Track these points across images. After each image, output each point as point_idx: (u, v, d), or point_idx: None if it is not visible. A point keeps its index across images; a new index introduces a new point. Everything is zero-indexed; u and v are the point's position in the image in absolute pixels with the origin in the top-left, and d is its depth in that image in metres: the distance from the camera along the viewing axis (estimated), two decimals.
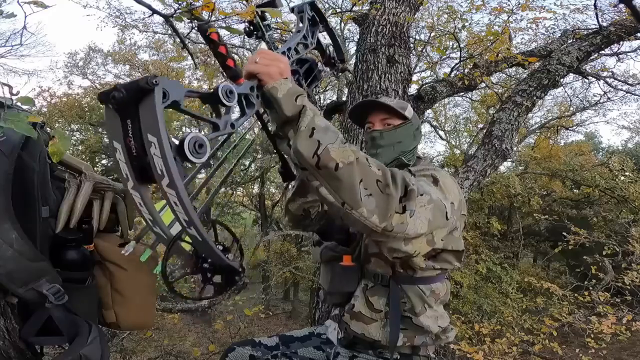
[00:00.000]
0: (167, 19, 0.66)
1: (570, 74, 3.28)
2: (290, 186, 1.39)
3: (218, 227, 0.87)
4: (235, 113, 0.86)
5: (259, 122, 1.03)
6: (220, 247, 0.80)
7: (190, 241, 0.76)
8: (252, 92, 0.88)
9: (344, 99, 4.49)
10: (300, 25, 1.12)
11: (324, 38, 1.25)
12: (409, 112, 1.31)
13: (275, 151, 1.06)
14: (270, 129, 1.00)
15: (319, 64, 1.17)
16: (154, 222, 0.76)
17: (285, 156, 1.07)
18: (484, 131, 3.09)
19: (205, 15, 0.98)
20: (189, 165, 0.72)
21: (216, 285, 0.81)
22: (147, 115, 0.65)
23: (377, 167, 0.87)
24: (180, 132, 12.66)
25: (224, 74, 0.93)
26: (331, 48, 1.26)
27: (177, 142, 0.69)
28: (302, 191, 1.30)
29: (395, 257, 1.02)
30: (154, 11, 0.70)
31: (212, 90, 0.81)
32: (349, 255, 1.22)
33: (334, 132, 0.87)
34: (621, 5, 2.97)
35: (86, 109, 11.56)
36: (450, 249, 1.13)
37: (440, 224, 0.99)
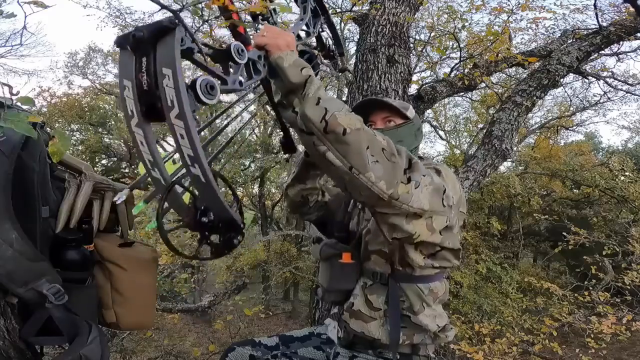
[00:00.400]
0: (176, 14, 0.67)
1: (570, 74, 3.29)
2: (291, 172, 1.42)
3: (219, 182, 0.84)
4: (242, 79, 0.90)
5: (264, 90, 1.06)
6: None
7: (190, 189, 0.75)
8: (260, 60, 0.92)
9: (344, 99, 4.49)
10: (303, 14, 1.16)
11: (324, 31, 1.27)
12: (411, 112, 1.32)
13: (278, 121, 1.10)
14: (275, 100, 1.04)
15: (318, 56, 1.21)
16: (154, 165, 0.75)
17: (288, 127, 1.10)
18: (484, 131, 3.09)
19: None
20: (200, 107, 0.73)
21: (213, 246, 0.79)
22: (165, 51, 0.68)
23: (381, 137, 0.92)
24: None
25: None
26: (331, 41, 1.28)
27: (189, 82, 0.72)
28: (301, 177, 1.33)
29: (395, 238, 1.02)
30: (163, 6, 0.71)
31: (224, 47, 0.84)
32: (349, 253, 1.22)
33: (339, 101, 0.92)
34: (621, 5, 2.97)
35: (86, 109, 11.57)
36: (449, 246, 1.12)
37: (439, 208, 1.01)
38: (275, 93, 1.01)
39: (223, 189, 0.90)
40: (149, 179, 0.79)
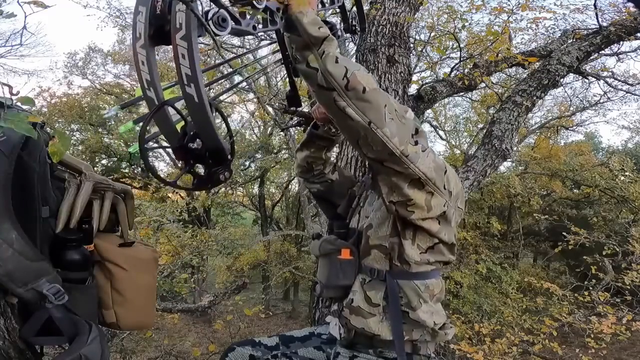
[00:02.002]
0: (187, 4, 0.69)
1: (570, 74, 3.28)
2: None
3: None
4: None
5: (278, 41, 1.10)
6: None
7: (182, 112, 0.76)
8: (278, 12, 0.96)
9: None
10: None
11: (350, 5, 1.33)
12: (409, 115, 1.35)
13: (287, 75, 1.14)
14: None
15: (339, 29, 1.25)
16: (150, 84, 0.78)
17: (295, 81, 1.16)
18: (484, 131, 3.09)
19: None
20: (206, 34, 0.75)
21: (197, 176, 0.78)
22: None
23: (393, 99, 1.02)
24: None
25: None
26: (354, 15, 1.33)
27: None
28: (308, 144, 1.42)
29: (392, 202, 1.08)
30: None
31: None
32: (348, 249, 1.24)
33: (354, 62, 0.99)
34: (621, 5, 2.97)
35: (86, 109, 11.56)
36: (445, 238, 1.15)
37: (440, 186, 1.09)
38: (289, 46, 1.04)
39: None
40: (144, 100, 0.82)
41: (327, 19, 1.18)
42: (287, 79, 1.17)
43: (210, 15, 0.75)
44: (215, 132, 0.76)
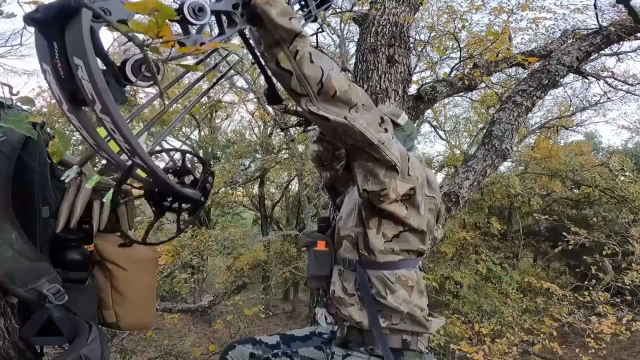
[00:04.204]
0: (140, 47, 0.63)
1: (570, 74, 3.28)
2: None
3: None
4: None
5: (243, 42, 0.96)
6: (192, 178, 0.81)
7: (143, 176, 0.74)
8: (236, 9, 0.80)
9: None
10: None
11: None
12: (402, 119, 1.39)
13: (262, 73, 1.02)
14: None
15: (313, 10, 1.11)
16: (99, 148, 0.69)
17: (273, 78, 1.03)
18: (484, 131, 3.09)
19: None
20: (133, 87, 0.66)
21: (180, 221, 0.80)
22: (73, 37, 0.57)
23: (361, 91, 1.00)
24: (180, 132, 12.64)
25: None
26: (313, 2, 1.17)
27: (119, 63, 0.63)
28: (318, 141, 1.39)
29: (365, 191, 1.08)
30: None
31: (177, 4, 0.71)
32: (323, 241, 1.31)
33: (325, 57, 0.94)
34: (621, 5, 2.97)
35: None
36: (414, 224, 1.16)
37: (405, 170, 1.10)
38: (257, 43, 0.93)
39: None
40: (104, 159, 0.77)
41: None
42: (263, 76, 1.03)
43: (128, 66, 0.62)
44: (175, 188, 0.75)
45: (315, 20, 1.14)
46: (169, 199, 0.77)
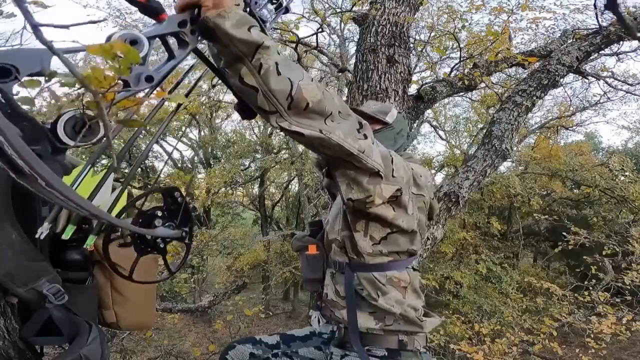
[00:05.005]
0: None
1: (570, 74, 3.28)
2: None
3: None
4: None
5: (201, 60, 0.87)
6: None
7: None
8: (184, 27, 0.72)
9: (344, 99, 4.49)
10: None
11: None
12: (391, 116, 1.36)
13: (228, 88, 0.92)
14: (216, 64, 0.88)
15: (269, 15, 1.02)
16: (68, 201, 0.56)
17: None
18: (484, 131, 3.09)
19: None
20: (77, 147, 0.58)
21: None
22: None
23: (337, 98, 0.93)
24: (180, 132, 12.64)
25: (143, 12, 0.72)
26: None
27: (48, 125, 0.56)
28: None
29: (350, 200, 1.04)
30: None
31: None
32: (314, 245, 1.31)
33: (294, 65, 0.85)
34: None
35: None
36: (402, 225, 1.13)
37: (389, 173, 1.05)
38: (216, 59, 0.84)
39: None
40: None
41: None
42: (230, 90, 0.91)
43: (60, 127, 0.52)
44: (151, 232, 0.78)
45: (287, 12, 1.06)
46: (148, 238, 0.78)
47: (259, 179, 12.30)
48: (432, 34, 4.13)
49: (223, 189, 10.52)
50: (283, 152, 11.23)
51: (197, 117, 11.44)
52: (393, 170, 1.06)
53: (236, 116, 12.87)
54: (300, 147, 8.99)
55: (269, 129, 11.85)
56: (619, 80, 4.67)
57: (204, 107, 10.14)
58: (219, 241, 9.71)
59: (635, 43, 3.98)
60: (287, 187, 13.04)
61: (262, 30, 0.84)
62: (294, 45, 3.72)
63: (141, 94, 0.66)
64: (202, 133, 12.88)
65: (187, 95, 0.98)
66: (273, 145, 11.79)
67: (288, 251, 10.28)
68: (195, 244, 7.33)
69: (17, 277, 0.88)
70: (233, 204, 13.16)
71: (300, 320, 10.59)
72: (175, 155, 13.32)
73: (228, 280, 9.61)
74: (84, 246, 0.80)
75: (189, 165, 13.49)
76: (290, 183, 12.76)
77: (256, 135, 12.85)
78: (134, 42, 0.63)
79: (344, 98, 4.30)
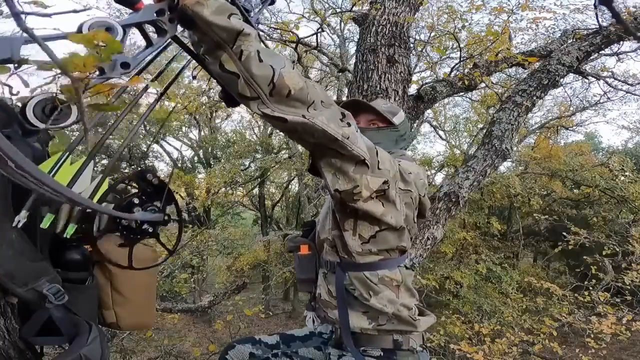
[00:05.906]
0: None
1: (570, 74, 3.28)
2: None
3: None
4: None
5: (181, 47, 0.87)
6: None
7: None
8: (162, 15, 0.72)
9: (344, 99, 4.49)
10: None
11: None
12: (399, 118, 1.36)
13: (211, 75, 0.91)
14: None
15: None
16: (40, 184, 0.56)
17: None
18: (484, 131, 3.09)
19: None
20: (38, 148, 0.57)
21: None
22: None
23: (319, 89, 0.93)
24: (180, 132, 12.65)
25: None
26: None
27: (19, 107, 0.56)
28: None
29: (337, 191, 1.02)
30: None
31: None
32: (306, 245, 1.31)
33: (276, 54, 0.86)
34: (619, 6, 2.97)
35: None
36: (391, 222, 1.11)
37: (375, 164, 1.04)
38: (196, 46, 0.84)
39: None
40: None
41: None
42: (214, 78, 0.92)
43: (30, 109, 0.52)
44: (128, 216, 0.79)
45: (272, 3, 1.06)
46: (132, 225, 0.78)
47: (259, 179, 12.30)
48: (432, 34, 4.14)
49: (223, 189, 10.52)
50: (283, 152, 11.24)
51: (197, 117, 11.44)
52: (379, 162, 1.05)
53: (236, 116, 12.89)
54: (300, 147, 8.99)
55: (269, 128, 11.85)
56: (619, 80, 4.66)
57: (204, 107, 10.14)
58: (219, 241, 9.71)
59: (635, 43, 3.98)
60: (287, 187, 13.04)
61: (246, 20, 0.85)
62: (294, 45, 3.72)
63: (117, 80, 0.66)
64: (202, 133, 12.88)
65: (155, 79, 0.94)
66: (273, 145, 11.79)
67: None
68: (195, 244, 7.32)
69: (17, 277, 0.88)
70: (233, 204, 13.17)
71: (300, 320, 10.59)
72: (175, 155, 13.33)
73: (228, 280, 9.62)
74: (64, 235, 0.80)
75: (189, 165, 13.49)
76: (290, 183, 12.77)
77: (256, 135, 12.86)
78: (108, 29, 0.63)
79: (344, 98, 4.30)
